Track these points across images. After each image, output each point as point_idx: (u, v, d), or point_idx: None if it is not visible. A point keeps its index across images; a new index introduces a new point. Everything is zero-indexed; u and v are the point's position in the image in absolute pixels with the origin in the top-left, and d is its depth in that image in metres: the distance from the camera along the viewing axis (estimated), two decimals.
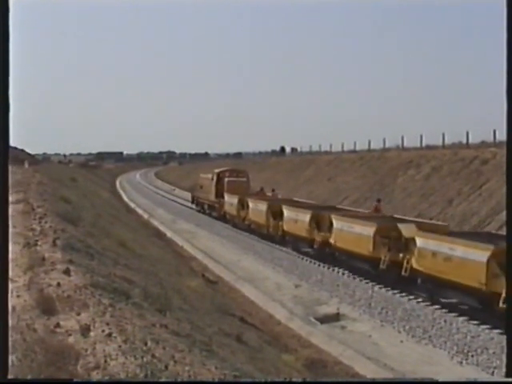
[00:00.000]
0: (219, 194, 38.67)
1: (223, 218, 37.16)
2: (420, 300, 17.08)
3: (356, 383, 10.27)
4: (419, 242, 17.00)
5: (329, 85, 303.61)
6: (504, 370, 11.85)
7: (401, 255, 17.92)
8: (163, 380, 6.01)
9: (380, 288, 18.77)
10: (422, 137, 39.14)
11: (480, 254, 14.73)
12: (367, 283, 19.48)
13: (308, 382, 9.91)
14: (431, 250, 16.45)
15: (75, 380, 5.76)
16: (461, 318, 15.24)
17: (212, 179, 40.75)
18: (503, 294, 13.14)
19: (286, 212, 26.46)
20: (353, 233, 20.51)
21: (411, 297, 17.42)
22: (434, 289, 16.91)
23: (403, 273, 17.57)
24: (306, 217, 24.25)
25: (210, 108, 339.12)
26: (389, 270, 18.42)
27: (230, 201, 35.46)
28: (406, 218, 22.36)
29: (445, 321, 15.25)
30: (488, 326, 14.42)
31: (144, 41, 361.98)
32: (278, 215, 27.35)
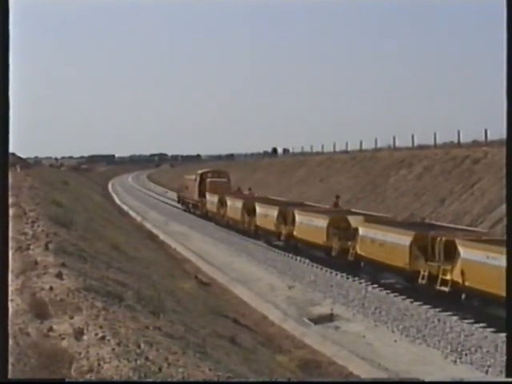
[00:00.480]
0: (202, 194, 41.10)
1: (206, 215, 39.63)
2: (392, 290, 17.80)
3: (356, 383, 10.28)
4: (361, 231, 19.91)
5: (320, 86, 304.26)
6: (498, 368, 11.90)
7: (349, 243, 20.66)
8: (163, 380, 6.00)
9: (373, 288, 18.81)
10: (413, 136, 39.31)
11: (404, 239, 17.53)
12: (360, 283, 19.51)
13: (308, 381, 9.92)
14: (370, 238, 19.34)
15: (67, 380, 5.74)
16: (454, 317, 15.28)
17: (195, 180, 43.38)
18: (422, 272, 16.72)
19: (258, 209, 29.33)
20: (311, 225, 23.46)
21: (356, 278, 19.71)
22: (374, 271, 19.78)
23: (349, 258, 20.46)
24: (274, 212, 27.21)
25: (201, 110, 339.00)
26: (339, 256, 21.29)
27: (212, 199, 37.96)
28: (361, 211, 24.98)
29: (438, 320, 15.29)
30: (482, 325, 14.46)
31: (136, 44, 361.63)
32: (252, 212, 30.12)
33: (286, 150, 77.56)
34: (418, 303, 16.80)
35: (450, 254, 15.88)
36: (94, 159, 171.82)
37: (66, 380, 5.74)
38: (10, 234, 12.62)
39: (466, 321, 14.92)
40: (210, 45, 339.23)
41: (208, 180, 41.54)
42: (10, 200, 19.88)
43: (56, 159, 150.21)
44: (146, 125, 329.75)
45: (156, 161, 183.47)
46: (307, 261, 23.46)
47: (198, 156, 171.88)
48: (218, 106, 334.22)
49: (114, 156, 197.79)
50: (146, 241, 28.76)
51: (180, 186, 50.67)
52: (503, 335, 13.58)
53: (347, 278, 20.32)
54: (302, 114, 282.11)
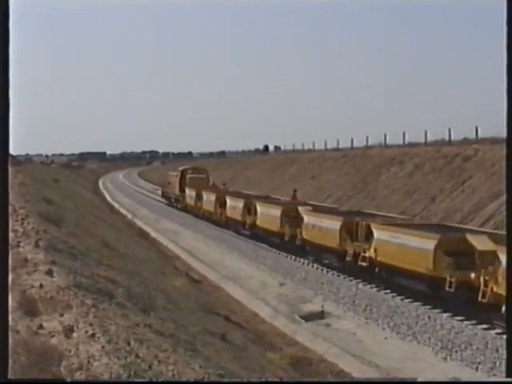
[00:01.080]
0: (182, 189, 44.39)
1: (185, 209, 42.78)
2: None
3: (355, 383, 10.29)
4: (306, 218, 23.21)
5: (311, 83, 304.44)
6: (488, 365, 11.95)
7: (298, 230, 23.78)
8: (162, 380, 5.99)
9: (364, 285, 18.85)
10: (404, 134, 39.39)
11: (335, 224, 20.96)
12: (351, 281, 19.56)
13: (308, 381, 9.92)
14: (312, 224, 22.63)
15: (68, 380, 5.72)
16: (445, 315, 15.34)
17: (177, 176, 46.48)
18: (349, 251, 19.82)
19: (228, 201, 32.67)
20: (269, 215, 26.64)
21: (302, 259, 21.75)
22: (317, 253, 23.00)
23: (297, 242, 23.74)
24: (240, 204, 30.64)
25: (193, 107, 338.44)
26: (290, 241, 24.46)
27: (190, 194, 41.41)
28: (312, 203, 28.18)
29: (429, 317, 15.34)
30: (472, 322, 14.52)
31: (127, 42, 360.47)
32: (223, 204, 33.44)
33: (277, 148, 77.53)
34: (409, 300, 16.85)
35: (368, 235, 19.05)
36: (84, 156, 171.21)
37: (67, 380, 5.72)
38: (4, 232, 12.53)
39: (457, 318, 14.97)
40: (201, 42, 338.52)
41: (188, 176, 44.57)
42: None
43: (47, 156, 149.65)
44: (137, 122, 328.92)
45: (147, 158, 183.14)
46: (298, 258, 23.49)
47: (190, 153, 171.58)
48: (210, 103, 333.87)
49: (104, 153, 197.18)
50: (136, 238, 28.68)
51: (163, 181, 54.17)
52: (493, 332, 13.67)
53: (338, 276, 20.36)
54: (294, 112, 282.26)
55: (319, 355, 13.49)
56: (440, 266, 15.58)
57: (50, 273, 9.46)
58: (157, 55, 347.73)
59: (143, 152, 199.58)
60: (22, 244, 11.77)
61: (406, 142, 39.09)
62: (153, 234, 33.40)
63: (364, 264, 18.89)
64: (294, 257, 23.89)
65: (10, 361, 5.91)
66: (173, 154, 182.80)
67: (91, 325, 7.19)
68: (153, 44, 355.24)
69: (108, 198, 62.06)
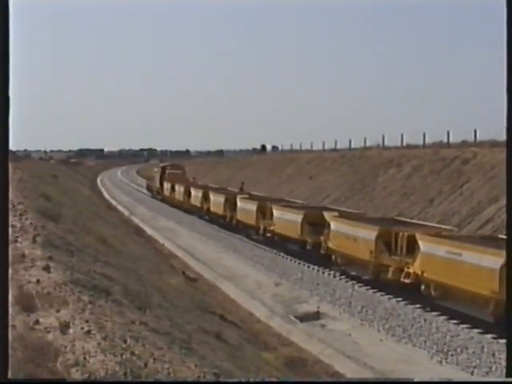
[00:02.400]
0: (161, 183, 51.19)
1: (164, 200, 49.36)
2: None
3: (355, 383, 10.31)
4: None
5: (310, 83, 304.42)
6: (484, 369, 11.97)
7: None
8: (163, 380, 6.00)
9: (360, 287, 18.86)
10: (402, 136, 39.39)
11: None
12: (347, 282, 19.57)
13: (308, 381, 9.93)
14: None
15: (68, 380, 5.73)
16: (441, 318, 15.33)
17: (158, 172, 53.98)
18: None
19: (192, 192, 40.35)
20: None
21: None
22: (282, 242, 24.35)
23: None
24: (199, 194, 37.51)
25: (191, 105, 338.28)
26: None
27: (167, 186, 48.63)
28: (256, 193, 34.51)
29: (424, 320, 15.35)
30: (467, 326, 14.52)
31: (125, 40, 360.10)
32: (189, 194, 40.78)
33: (275, 147, 77.65)
34: (405, 302, 16.85)
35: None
36: (83, 153, 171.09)
37: (67, 380, 5.72)
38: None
39: (453, 321, 14.98)
40: (199, 40, 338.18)
41: (167, 172, 51.64)
42: None
43: (45, 152, 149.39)
44: (136, 119, 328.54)
45: (145, 156, 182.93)
46: (295, 258, 23.50)
47: (187, 151, 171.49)
48: (208, 101, 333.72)
49: (103, 150, 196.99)
50: (133, 235, 28.70)
51: (148, 176, 63.84)
52: (489, 336, 13.68)
53: (334, 277, 20.37)
54: (292, 111, 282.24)
55: (314, 356, 13.49)
56: None
57: (47, 268, 9.48)
58: (156, 53, 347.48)
59: (141, 149, 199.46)
60: (19, 239, 11.78)
61: (404, 143, 39.12)
62: (149, 231, 33.41)
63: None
64: (290, 257, 23.90)
65: None
66: (171, 152, 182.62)
67: (87, 321, 7.20)
68: (152, 42, 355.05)
69: (106, 195, 62.03)
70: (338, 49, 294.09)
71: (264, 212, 27.29)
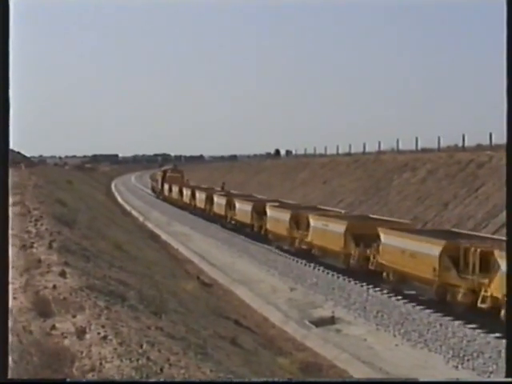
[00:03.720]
0: (162, 184, 59.67)
1: (164, 199, 57.16)
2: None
3: (356, 383, 10.29)
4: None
5: (324, 87, 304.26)
6: (501, 375, 11.88)
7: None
8: (162, 380, 6.01)
9: (375, 291, 18.79)
10: (417, 140, 39.24)
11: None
12: (362, 286, 19.49)
13: (308, 381, 9.92)
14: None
15: (68, 380, 5.75)
16: (456, 322, 15.24)
17: (160, 175, 62.56)
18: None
19: (184, 191, 48.67)
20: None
21: (313, 264, 17.61)
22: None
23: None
24: (188, 192, 43.82)
25: (205, 111, 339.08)
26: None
27: (166, 187, 57.01)
28: (235, 192, 40.46)
29: (440, 324, 15.26)
30: (484, 330, 14.41)
31: (140, 43, 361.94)
32: (181, 193, 49.08)
33: (288, 152, 77.43)
34: (420, 307, 16.77)
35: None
36: (97, 159, 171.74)
37: (68, 380, 5.75)
38: (15, 232, 12.69)
39: (469, 326, 14.88)
40: (214, 45, 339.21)
41: (167, 175, 59.91)
42: (15, 198, 19.96)
43: (60, 158, 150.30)
44: (150, 125, 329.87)
45: (159, 161, 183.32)
46: (309, 263, 23.46)
47: (201, 157, 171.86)
48: (222, 106, 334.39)
49: (117, 156, 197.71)
50: (148, 241, 28.77)
51: (153, 179, 71.76)
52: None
53: (349, 281, 20.30)
54: (306, 116, 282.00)
55: (329, 361, 13.46)
56: None
57: (63, 274, 9.52)
58: (170, 58, 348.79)
59: (155, 155, 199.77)
60: (35, 245, 11.86)
61: (419, 147, 38.97)
62: (164, 236, 33.49)
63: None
64: (304, 261, 23.86)
65: (23, 361, 5.97)
66: (185, 157, 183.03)
67: (103, 326, 7.23)
68: (168, 48, 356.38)
69: (120, 200, 62.28)
70: (352, 52, 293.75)
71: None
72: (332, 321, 16.26)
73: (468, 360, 12.93)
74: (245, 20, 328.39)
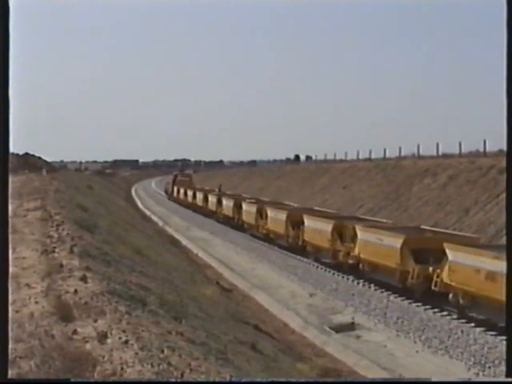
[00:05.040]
0: (173, 187, 67.74)
1: (175, 200, 64.69)
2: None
3: (356, 383, 10.26)
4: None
5: (344, 93, 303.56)
6: None
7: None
8: (163, 380, 6.03)
9: (395, 297, 18.68)
10: (438, 145, 39.01)
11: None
12: (382, 292, 19.40)
13: (308, 382, 9.88)
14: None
15: (72, 380, 5.79)
16: (478, 329, 15.11)
17: (172, 178, 72.12)
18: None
19: (188, 192, 57.67)
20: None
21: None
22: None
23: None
24: (190, 193, 50.58)
25: (224, 116, 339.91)
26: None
27: (176, 189, 65.87)
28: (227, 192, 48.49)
29: (462, 331, 15.14)
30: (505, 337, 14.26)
31: (159, 48, 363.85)
32: (186, 193, 58.67)
33: (308, 157, 77.28)
34: (441, 314, 16.65)
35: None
36: (117, 164, 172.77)
37: (71, 380, 5.78)
38: (36, 236, 12.80)
39: (490, 333, 14.74)
40: (233, 51, 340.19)
41: (178, 178, 68.95)
42: (37, 203, 20.16)
43: (80, 163, 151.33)
44: (170, 130, 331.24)
45: (179, 166, 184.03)
46: (328, 269, 23.40)
47: (221, 162, 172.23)
48: (242, 112, 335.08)
49: (137, 161, 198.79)
50: (167, 246, 28.89)
51: (166, 183, 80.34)
52: None
53: (369, 287, 20.21)
54: (326, 121, 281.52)
55: (349, 367, 13.41)
56: None
57: (84, 279, 9.59)
58: (189, 64, 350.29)
59: (175, 160, 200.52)
60: (57, 250, 11.96)
61: (440, 153, 38.73)
62: (183, 241, 33.62)
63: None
64: (324, 267, 23.80)
65: (46, 365, 6.02)
66: (204, 162, 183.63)
67: (124, 331, 7.27)
68: (185, 54, 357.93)
69: (140, 205, 62.66)
70: (371, 58, 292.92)
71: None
72: (352, 327, 16.20)
73: (489, 367, 12.81)
74: (266, 20, 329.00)
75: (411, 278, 18.09)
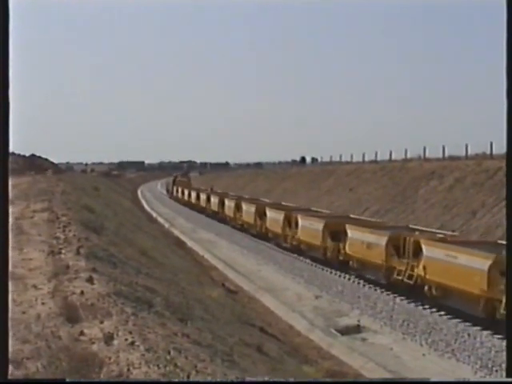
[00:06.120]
0: (173, 187, 74.74)
1: (175, 199, 70.32)
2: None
3: (356, 383, 10.24)
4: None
5: (350, 94, 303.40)
6: None
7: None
8: (163, 380, 6.03)
9: (402, 300, 18.63)
10: (444, 147, 38.88)
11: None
12: (388, 295, 19.34)
13: (308, 382, 9.87)
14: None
15: (68, 380, 5.79)
16: (485, 332, 15.05)
17: (172, 179, 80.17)
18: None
19: (185, 191, 64.60)
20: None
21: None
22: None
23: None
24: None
25: (230, 118, 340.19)
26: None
27: (175, 189, 72.74)
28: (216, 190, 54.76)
29: (468, 334, 15.08)
30: None
31: (166, 49, 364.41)
32: (183, 193, 65.17)
33: (314, 159, 77.19)
34: (448, 317, 16.59)
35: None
36: (123, 165, 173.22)
37: (67, 380, 5.79)
38: (43, 238, 12.81)
39: (497, 336, 14.68)
40: (237, 51, 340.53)
41: (177, 179, 76.49)
42: (43, 205, 20.20)
43: (86, 165, 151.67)
44: (176, 132, 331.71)
45: (185, 168, 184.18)
46: (334, 271, 23.36)
47: (227, 164, 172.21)
48: (247, 113, 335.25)
49: (143, 162, 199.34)
50: (173, 247, 28.91)
51: (167, 183, 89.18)
52: None
53: (375, 290, 20.17)
54: (332, 123, 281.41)
55: (355, 370, 13.38)
56: None
57: (90, 280, 9.61)
58: (194, 66, 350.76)
59: (181, 162, 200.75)
60: (63, 251, 11.99)
61: (446, 155, 38.62)
62: (189, 243, 33.63)
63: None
64: (330, 269, 23.76)
65: (52, 366, 6.03)
66: (210, 164, 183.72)
67: (131, 333, 7.27)
68: (190, 54, 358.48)
69: (146, 206, 62.73)
70: (377, 60, 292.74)
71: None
72: (358, 329, 16.16)
73: (496, 371, 12.76)
74: (272, 22, 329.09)
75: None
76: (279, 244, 30.34)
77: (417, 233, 20.33)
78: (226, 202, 43.17)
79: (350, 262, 22.60)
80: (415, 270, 18.41)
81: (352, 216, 29.52)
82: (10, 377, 5.22)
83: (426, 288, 17.92)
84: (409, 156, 43.31)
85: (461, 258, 16.43)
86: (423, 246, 18.26)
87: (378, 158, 48.72)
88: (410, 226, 24.06)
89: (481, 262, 15.66)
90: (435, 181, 34.10)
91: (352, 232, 22.61)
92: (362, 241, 21.70)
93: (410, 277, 18.60)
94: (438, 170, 35.15)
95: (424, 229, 22.44)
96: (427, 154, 40.95)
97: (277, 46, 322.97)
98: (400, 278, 19.09)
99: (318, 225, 25.66)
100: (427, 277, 17.80)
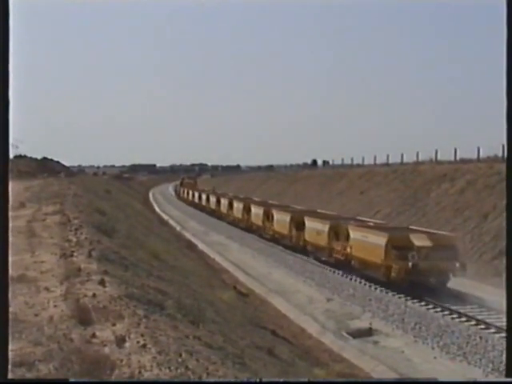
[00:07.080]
0: (180, 188, 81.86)
1: (182, 200, 75.77)
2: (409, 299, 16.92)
3: (356, 383, 10.22)
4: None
5: (361, 97, 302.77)
6: None
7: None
8: (163, 380, 6.05)
9: (413, 303, 18.58)
10: (456, 150, 38.75)
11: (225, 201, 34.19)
12: (400, 298, 19.30)
13: (308, 381, 9.86)
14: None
15: (72, 380, 5.82)
16: (497, 335, 14.98)
17: (180, 181, 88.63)
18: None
19: (190, 192, 70.29)
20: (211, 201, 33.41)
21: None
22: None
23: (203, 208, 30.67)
24: (195, 193, 58.05)
25: (241, 121, 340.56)
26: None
27: (182, 190, 79.28)
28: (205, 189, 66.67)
29: (480, 337, 15.01)
30: None
31: (177, 52, 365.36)
32: (188, 193, 72.00)
33: (325, 162, 77.06)
34: (460, 320, 16.53)
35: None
36: (135, 168, 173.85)
37: (70, 380, 5.82)
38: (55, 240, 12.89)
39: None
40: (251, 56, 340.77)
41: (184, 181, 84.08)
42: (55, 207, 20.32)
43: (98, 168, 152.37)
44: (187, 135, 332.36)
45: (196, 171, 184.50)
46: (346, 274, 23.33)
47: (238, 166, 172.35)
48: (259, 116, 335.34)
49: (155, 165, 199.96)
50: (185, 250, 28.96)
51: (175, 185, 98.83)
52: None
53: (386, 293, 20.12)
54: (343, 126, 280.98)
55: (366, 373, 13.36)
56: None
57: (102, 283, 9.65)
58: (206, 69, 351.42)
59: (192, 165, 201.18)
60: (75, 254, 12.05)
61: (458, 158, 38.48)
62: (200, 246, 33.68)
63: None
64: (341, 272, 23.73)
65: (64, 368, 6.07)
66: (221, 167, 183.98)
67: (142, 335, 7.30)
68: (202, 57, 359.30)
69: (157, 209, 62.90)
70: (389, 63, 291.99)
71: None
72: (369, 332, 16.13)
73: None
74: (282, 25, 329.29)
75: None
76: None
77: (351, 222, 25.26)
78: (222, 200, 49.39)
79: (352, 262, 22.93)
80: (347, 249, 23.18)
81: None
82: (9, 377, 5.27)
83: (353, 262, 22.83)
84: (420, 159, 43.20)
85: (370, 237, 21.43)
86: (350, 231, 23.15)
87: (390, 161, 48.65)
88: (410, 227, 24.81)
89: (380, 240, 20.51)
90: (447, 183, 33.97)
91: (309, 223, 27.88)
92: (316, 229, 26.69)
93: (344, 254, 23.49)
94: (450, 172, 35.01)
95: (424, 229, 23.84)
96: (439, 157, 40.86)
97: (288, 48, 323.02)
98: (337, 256, 24.10)
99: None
100: (353, 253, 22.73)
